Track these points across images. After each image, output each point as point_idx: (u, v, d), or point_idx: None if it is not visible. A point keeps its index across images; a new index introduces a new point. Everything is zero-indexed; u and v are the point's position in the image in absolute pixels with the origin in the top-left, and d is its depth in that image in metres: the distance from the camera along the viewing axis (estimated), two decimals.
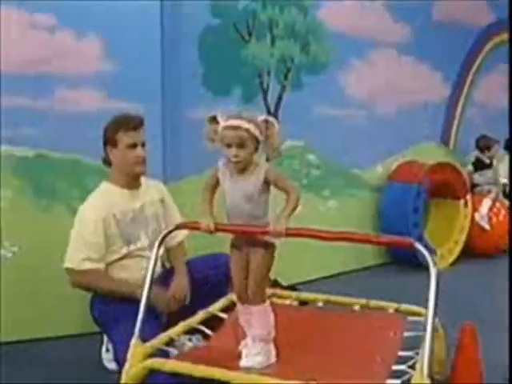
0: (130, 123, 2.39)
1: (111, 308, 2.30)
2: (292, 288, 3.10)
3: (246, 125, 1.78)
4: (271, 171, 1.84)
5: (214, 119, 1.83)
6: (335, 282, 3.91)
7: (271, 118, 1.83)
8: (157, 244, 2.03)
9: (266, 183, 1.84)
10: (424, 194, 4.16)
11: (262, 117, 1.83)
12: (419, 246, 1.76)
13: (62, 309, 2.87)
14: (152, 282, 1.99)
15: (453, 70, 4.82)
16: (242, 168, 1.84)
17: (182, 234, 2.58)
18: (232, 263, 1.94)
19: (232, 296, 2.44)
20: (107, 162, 2.46)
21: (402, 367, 1.78)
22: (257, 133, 1.80)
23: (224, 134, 1.80)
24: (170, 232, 2.07)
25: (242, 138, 1.78)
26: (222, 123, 1.81)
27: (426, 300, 2.45)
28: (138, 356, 1.84)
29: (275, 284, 3.23)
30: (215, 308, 2.31)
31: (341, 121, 4.08)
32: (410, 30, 4.42)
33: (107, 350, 2.54)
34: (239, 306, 1.97)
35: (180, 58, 3.24)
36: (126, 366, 1.84)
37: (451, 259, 4.33)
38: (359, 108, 4.21)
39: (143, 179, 2.52)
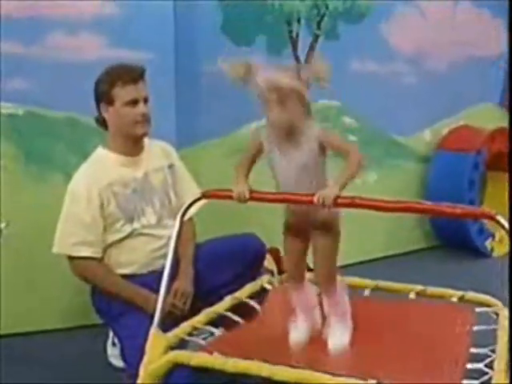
0: (129, 75, 2.28)
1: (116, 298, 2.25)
2: None
3: (287, 82, 1.71)
4: (325, 133, 1.80)
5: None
6: (374, 268, 3.85)
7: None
8: (178, 219, 1.96)
9: (322, 148, 1.80)
10: (482, 166, 4.07)
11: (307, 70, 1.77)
12: (502, 220, 1.68)
13: (62, 297, 2.84)
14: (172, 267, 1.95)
15: None
16: (288, 133, 1.78)
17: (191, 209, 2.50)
18: (286, 247, 1.96)
19: (262, 281, 2.42)
20: (101, 122, 2.37)
21: (479, 366, 1.72)
22: (301, 88, 1.73)
23: (261, 90, 1.72)
24: (193, 203, 2.00)
25: (284, 96, 1.71)
26: (258, 77, 1.73)
27: (483, 288, 2.45)
28: (158, 348, 1.80)
29: (307, 269, 3.20)
30: (243, 294, 2.26)
31: (383, 78, 3.97)
32: None
33: (114, 345, 2.50)
34: (291, 285, 2.01)
35: (196, 2, 3.15)
36: (145, 359, 1.79)
37: None
38: (405, 63, 4.10)
39: (147, 142, 2.42)
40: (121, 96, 2.27)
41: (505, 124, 4.35)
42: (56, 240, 2.32)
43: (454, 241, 4.17)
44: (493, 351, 1.84)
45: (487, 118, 4.45)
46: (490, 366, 1.73)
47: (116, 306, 2.25)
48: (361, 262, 3.90)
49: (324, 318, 1.98)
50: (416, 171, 4.25)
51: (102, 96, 2.30)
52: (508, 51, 4.52)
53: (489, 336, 2.02)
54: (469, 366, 1.76)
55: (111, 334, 2.49)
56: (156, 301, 1.98)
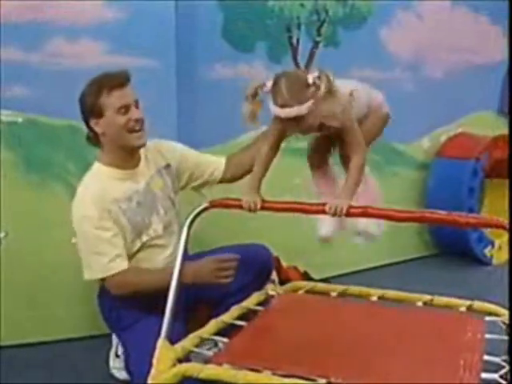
0: (113, 80, 2.17)
1: (126, 307, 2.22)
2: (324, 282, 3.07)
3: (302, 110, 1.67)
4: (347, 113, 1.77)
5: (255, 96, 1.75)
6: (373, 276, 3.85)
7: (322, 73, 1.70)
8: (185, 229, 1.95)
9: None
10: (482, 173, 4.07)
11: (314, 74, 1.71)
12: None
13: (63, 307, 2.81)
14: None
15: None
16: None
17: (219, 169, 2.48)
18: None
19: (267, 290, 2.40)
20: (92, 139, 2.28)
21: (494, 376, 1.72)
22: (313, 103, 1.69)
23: (279, 121, 1.74)
24: (201, 212, 1.98)
25: (303, 124, 1.71)
26: (274, 109, 1.71)
27: (483, 296, 2.45)
28: (166, 360, 1.78)
29: (306, 277, 3.21)
30: (250, 303, 2.25)
31: (381, 84, 3.86)
32: None
33: (117, 356, 2.46)
34: (314, 173, 2.00)
35: (197, 6, 3.13)
36: (153, 372, 1.77)
37: None
38: (404, 69, 4.10)
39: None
40: (110, 104, 2.16)
41: (503, 131, 4.37)
42: (85, 268, 2.23)
43: (454, 249, 4.17)
44: (505, 361, 1.83)
45: (485, 125, 4.46)
46: (504, 377, 1.72)
47: (126, 317, 2.22)
48: (359, 271, 3.90)
49: None
50: (415, 178, 4.25)
51: (90, 110, 2.20)
52: (508, 55, 4.55)
53: (494, 344, 2.03)
54: (483, 375, 1.75)
55: (114, 345, 2.47)
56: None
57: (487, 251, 4.13)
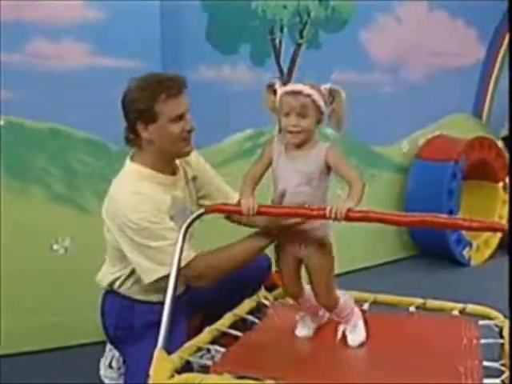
0: (172, 88, 2.00)
1: (131, 319, 2.12)
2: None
3: (308, 90, 1.79)
4: (333, 151, 1.85)
5: (271, 87, 1.87)
6: (353, 279, 3.82)
7: (336, 87, 1.85)
8: (181, 234, 1.87)
9: (327, 166, 1.85)
10: (460, 175, 4.09)
11: (326, 85, 1.85)
12: None
13: (72, 314, 2.74)
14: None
15: (490, 27, 4.72)
16: (301, 142, 1.84)
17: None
18: (281, 264, 1.98)
19: (259, 297, 2.36)
20: (132, 142, 2.09)
21: (496, 381, 1.70)
22: (321, 101, 1.81)
23: (283, 101, 1.82)
24: (197, 218, 1.93)
25: (304, 105, 1.79)
26: (281, 88, 1.84)
27: (464, 297, 2.45)
28: (164, 371, 1.70)
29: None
30: (242, 310, 2.20)
31: (361, 87, 3.95)
32: None
33: (110, 367, 2.33)
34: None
35: (182, 9, 3.09)
36: (150, 383, 1.71)
37: (488, 252, 4.27)
38: (383, 72, 4.12)
39: None
40: (165, 112, 2.00)
41: (478, 133, 4.40)
42: (151, 271, 2.01)
43: (433, 250, 4.19)
44: (503, 365, 1.82)
45: (460, 127, 4.51)
46: (506, 382, 1.70)
47: (130, 332, 2.12)
48: (341, 274, 3.87)
49: None
50: (394, 181, 4.27)
51: (141, 114, 2.00)
52: (508, 55, 4.59)
53: (488, 348, 2.02)
54: (485, 381, 1.73)
55: (108, 356, 2.33)
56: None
57: (466, 252, 4.15)
